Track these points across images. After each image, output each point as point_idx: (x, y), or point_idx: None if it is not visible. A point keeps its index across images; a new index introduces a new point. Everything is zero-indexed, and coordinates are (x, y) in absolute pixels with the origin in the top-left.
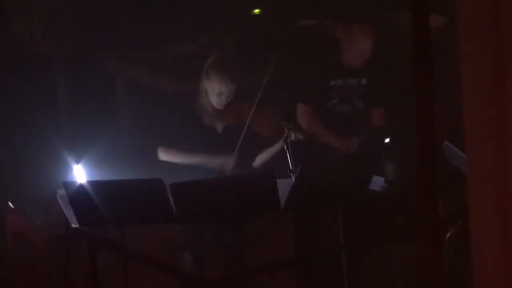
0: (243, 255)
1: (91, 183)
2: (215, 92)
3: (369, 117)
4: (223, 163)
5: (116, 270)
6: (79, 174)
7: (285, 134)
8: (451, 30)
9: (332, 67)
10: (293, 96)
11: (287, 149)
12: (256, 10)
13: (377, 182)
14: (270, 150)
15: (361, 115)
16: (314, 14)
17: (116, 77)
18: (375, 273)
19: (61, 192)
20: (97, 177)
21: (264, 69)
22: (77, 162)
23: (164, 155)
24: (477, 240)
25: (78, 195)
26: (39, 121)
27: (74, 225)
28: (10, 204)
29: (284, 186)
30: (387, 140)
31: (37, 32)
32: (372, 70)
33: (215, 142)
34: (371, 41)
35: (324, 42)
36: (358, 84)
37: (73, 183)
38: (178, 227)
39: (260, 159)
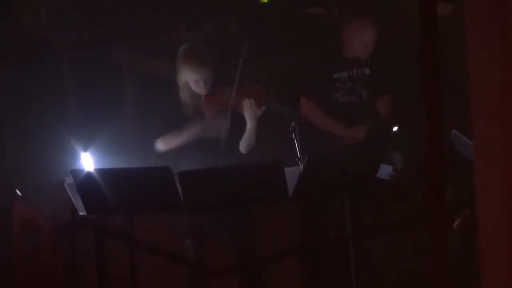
0: (249, 243)
1: (99, 171)
2: (192, 81)
3: (376, 106)
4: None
5: (123, 257)
6: (87, 162)
7: (292, 123)
8: (458, 18)
9: (335, 60)
10: (296, 89)
11: (295, 137)
12: None
13: (385, 171)
14: (247, 134)
15: (367, 105)
16: (322, 2)
17: (123, 64)
18: (382, 261)
19: (69, 180)
20: (105, 165)
21: (271, 56)
22: (85, 150)
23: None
24: (485, 229)
25: (85, 183)
26: (46, 109)
27: (82, 213)
28: (18, 191)
29: (292, 174)
30: (395, 128)
31: (43, 21)
32: (374, 59)
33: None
34: (374, 32)
35: (331, 32)
36: (362, 74)
37: (80, 171)
38: (183, 215)
39: (243, 144)
